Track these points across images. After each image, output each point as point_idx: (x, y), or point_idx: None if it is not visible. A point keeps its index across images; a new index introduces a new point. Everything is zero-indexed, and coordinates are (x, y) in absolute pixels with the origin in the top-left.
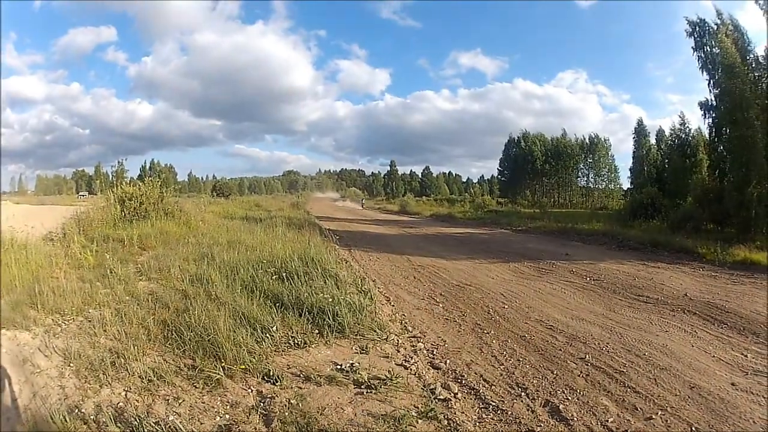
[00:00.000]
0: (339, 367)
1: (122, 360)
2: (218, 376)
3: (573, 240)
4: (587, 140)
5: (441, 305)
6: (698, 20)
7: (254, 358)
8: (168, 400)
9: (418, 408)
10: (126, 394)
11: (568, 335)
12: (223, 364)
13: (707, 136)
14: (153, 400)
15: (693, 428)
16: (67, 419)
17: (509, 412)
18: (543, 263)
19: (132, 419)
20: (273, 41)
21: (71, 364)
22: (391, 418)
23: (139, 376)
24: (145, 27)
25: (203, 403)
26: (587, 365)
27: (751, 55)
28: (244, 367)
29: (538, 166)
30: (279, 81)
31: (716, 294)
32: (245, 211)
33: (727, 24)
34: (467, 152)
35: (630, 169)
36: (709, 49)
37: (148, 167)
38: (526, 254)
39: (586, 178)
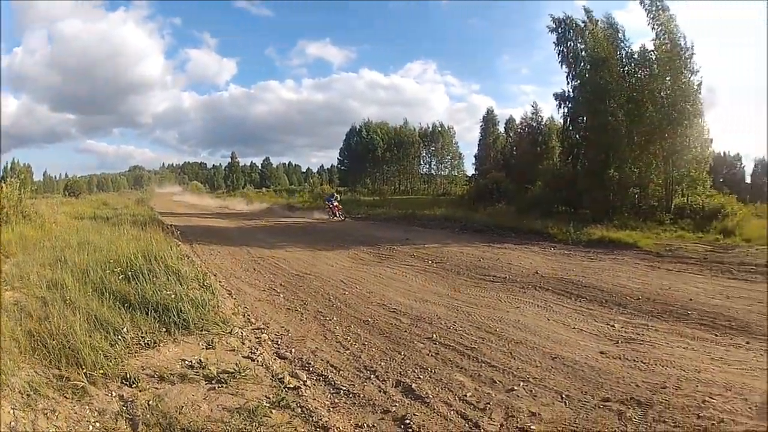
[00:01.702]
0: (188, 363)
1: (4, 376)
2: (82, 384)
3: (414, 225)
4: (430, 128)
5: (282, 295)
6: (564, 17)
7: (111, 361)
8: (47, 413)
9: (269, 398)
10: (14, 412)
11: (413, 317)
12: (84, 371)
13: (561, 124)
14: (35, 416)
15: (563, 395)
16: None
17: (361, 395)
18: (383, 249)
19: None
20: (131, 29)
21: None
22: (245, 410)
23: (19, 392)
24: (19, 14)
25: (76, 413)
26: (435, 344)
27: (623, 51)
28: (103, 371)
29: (379, 155)
30: (132, 71)
31: (571, 271)
32: (94, 210)
33: (596, 21)
34: (309, 142)
35: (475, 156)
36: (572, 45)
37: (9, 168)
38: (365, 241)
39: (428, 166)
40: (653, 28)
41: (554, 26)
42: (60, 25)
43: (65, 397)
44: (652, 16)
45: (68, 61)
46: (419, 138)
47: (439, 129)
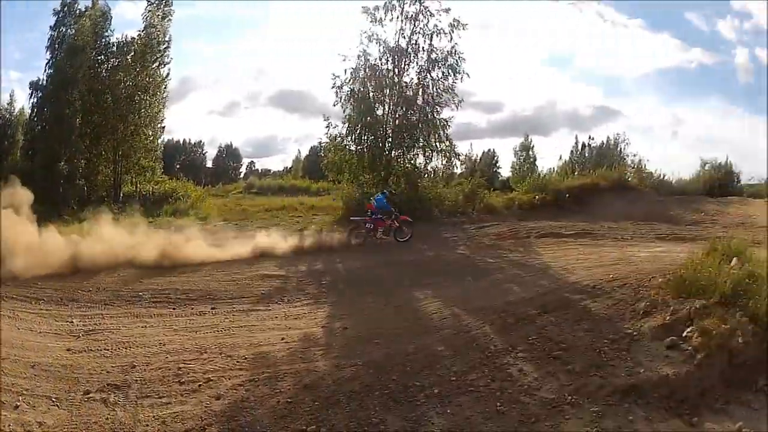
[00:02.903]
0: None
1: None
2: None
3: None
4: None
5: None
6: (70, 0)
7: None
8: None
9: None
10: None
11: None
12: None
13: (29, 115)
14: None
15: (52, 398)
16: None
17: None
18: None
19: None
20: None
21: None
22: None
23: None
24: None
25: None
26: None
27: (104, 40)
28: None
29: None
30: None
31: None
32: None
33: (97, 8)
34: None
35: None
36: (65, 30)
37: None
38: None
39: None
40: (144, 20)
41: (55, 11)
42: None
43: None
44: (150, 8)
45: None
46: None
47: None
